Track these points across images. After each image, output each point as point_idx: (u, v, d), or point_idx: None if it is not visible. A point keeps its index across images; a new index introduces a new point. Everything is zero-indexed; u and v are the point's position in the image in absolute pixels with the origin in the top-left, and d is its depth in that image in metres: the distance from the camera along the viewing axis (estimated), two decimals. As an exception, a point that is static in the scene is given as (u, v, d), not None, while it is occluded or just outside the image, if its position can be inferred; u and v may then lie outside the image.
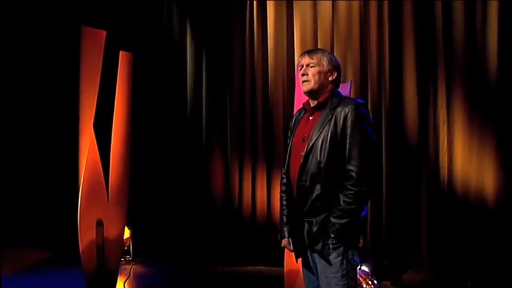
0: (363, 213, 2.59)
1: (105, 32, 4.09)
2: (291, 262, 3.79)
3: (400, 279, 4.90)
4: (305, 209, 2.59)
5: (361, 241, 2.62)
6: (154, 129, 6.00)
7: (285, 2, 5.59)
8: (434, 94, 4.97)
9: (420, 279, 4.84)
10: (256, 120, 5.74)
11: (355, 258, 2.59)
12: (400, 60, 5.07)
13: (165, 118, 6.03)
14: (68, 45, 5.31)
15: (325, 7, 5.38)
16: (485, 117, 4.77)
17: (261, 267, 5.53)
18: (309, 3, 5.46)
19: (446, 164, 4.91)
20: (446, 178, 4.91)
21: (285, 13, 5.59)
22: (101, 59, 4.08)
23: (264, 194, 5.70)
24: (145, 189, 5.88)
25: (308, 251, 2.67)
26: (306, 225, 2.60)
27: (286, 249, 3.78)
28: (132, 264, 5.50)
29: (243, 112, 5.78)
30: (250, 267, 5.55)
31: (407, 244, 5.06)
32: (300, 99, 3.73)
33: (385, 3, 5.14)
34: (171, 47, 6.09)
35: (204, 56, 5.94)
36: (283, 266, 5.27)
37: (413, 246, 5.03)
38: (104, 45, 4.07)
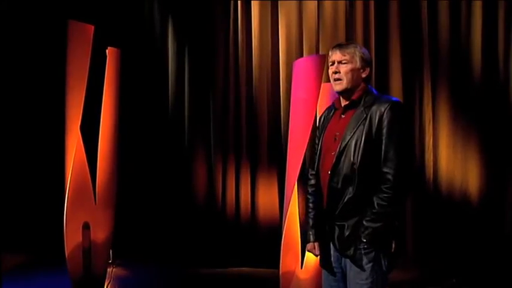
0: (398, 217, 2.47)
1: (93, 27, 3.94)
2: (287, 264, 3.75)
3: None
4: (336, 212, 2.48)
5: (393, 246, 2.45)
6: (134, 129, 5.82)
7: (269, 2, 5.54)
8: (420, 94, 5.04)
9: (406, 278, 4.87)
10: (240, 120, 5.67)
11: (386, 264, 2.46)
12: (386, 60, 5.11)
13: (145, 117, 5.87)
14: (54, 41, 5.09)
15: (311, 7, 5.36)
16: (469, 116, 4.88)
17: (245, 269, 5.47)
18: (294, 3, 5.43)
19: (431, 163, 4.98)
20: (431, 177, 4.98)
21: (269, 13, 5.54)
22: (89, 55, 3.93)
23: (248, 194, 5.64)
24: (124, 189, 5.70)
25: (333, 256, 2.57)
26: (337, 229, 2.48)
27: (282, 251, 3.78)
28: (113, 267, 5.32)
29: (227, 111, 5.70)
30: (234, 269, 5.48)
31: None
32: (297, 99, 3.69)
33: (371, 4, 5.17)
34: (152, 44, 5.93)
35: (186, 54, 5.82)
36: (267, 267, 5.33)
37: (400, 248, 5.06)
38: (92, 41, 3.92)
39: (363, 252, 2.43)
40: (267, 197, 5.59)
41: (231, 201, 5.67)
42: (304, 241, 2.77)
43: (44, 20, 5.68)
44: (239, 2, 5.64)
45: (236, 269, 5.48)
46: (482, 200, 4.84)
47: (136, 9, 5.95)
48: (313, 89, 3.60)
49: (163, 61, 5.90)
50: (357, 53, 2.54)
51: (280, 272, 3.76)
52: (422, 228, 5.00)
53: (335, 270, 2.59)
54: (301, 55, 5.38)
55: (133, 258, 5.51)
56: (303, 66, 3.69)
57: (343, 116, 2.56)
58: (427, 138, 5.00)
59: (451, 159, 4.94)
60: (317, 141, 2.69)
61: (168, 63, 5.89)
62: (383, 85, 5.10)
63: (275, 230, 5.49)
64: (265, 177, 5.60)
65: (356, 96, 2.54)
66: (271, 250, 5.33)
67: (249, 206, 5.63)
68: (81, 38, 3.91)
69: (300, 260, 3.75)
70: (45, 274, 5.07)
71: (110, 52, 4.10)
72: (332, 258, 2.58)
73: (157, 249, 5.63)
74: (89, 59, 3.93)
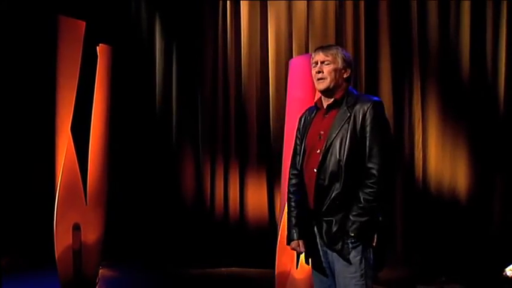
0: (385, 211, 2.55)
1: (84, 23, 3.85)
2: (283, 264, 3.73)
3: (376, 277, 4.94)
4: (323, 209, 2.55)
5: (374, 239, 2.54)
6: (121, 128, 5.71)
7: (258, 1, 5.51)
8: (410, 93, 5.07)
9: (395, 276, 4.90)
10: (228, 119, 5.64)
11: (372, 257, 2.55)
12: (376, 60, 5.14)
13: (132, 116, 5.77)
14: (43, 38, 4.95)
15: (300, 7, 5.35)
16: (458, 115, 4.94)
17: (234, 269, 5.45)
18: (283, 3, 5.42)
19: (420, 162, 5.02)
20: (420, 176, 5.02)
21: (258, 12, 5.52)
22: (80, 52, 3.86)
23: (237, 193, 5.62)
24: (111, 189, 5.60)
25: (321, 251, 2.63)
26: (325, 225, 2.56)
27: (278, 251, 3.76)
28: (100, 268, 5.23)
29: (215, 111, 5.66)
30: (223, 269, 5.44)
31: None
32: (293, 98, 3.67)
33: (361, 3, 5.19)
34: (139, 41, 5.85)
35: (174, 52, 5.75)
36: (256, 267, 5.32)
37: (389, 244, 5.10)
38: (83, 37, 3.83)
39: (350, 246, 2.51)
40: (256, 197, 5.57)
41: (220, 201, 5.64)
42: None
43: (33, 16, 5.51)
44: (228, 1, 5.60)
45: (225, 269, 5.45)
46: (470, 198, 4.90)
47: (122, 7, 5.84)
48: (309, 88, 3.58)
49: (151, 58, 5.82)
50: (339, 54, 2.67)
51: (276, 272, 3.74)
52: (412, 227, 5.03)
53: (324, 265, 2.65)
54: (291, 54, 5.38)
55: (121, 258, 5.44)
56: (299, 65, 3.67)
57: (326, 116, 2.66)
58: (416, 137, 5.04)
59: (440, 158, 4.99)
60: (298, 142, 2.77)
61: (155, 60, 5.81)
62: (373, 84, 5.13)
63: (264, 229, 5.50)
64: (254, 177, 5.58)
65: (339, 96, 2.64)
66: (261, 250, 5.35)
67: (238, 205, 5.61)
68: (72, 34, 3.83)
69: (296, 260, 3.72)
70: (34, 276, 4.94)
71: (101, 49, 4.01)
72: (321, 253, 2.65)
73: (146, 250, 5.57)
74: (80, 57, 3.86)
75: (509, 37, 4.79)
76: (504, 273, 4.25)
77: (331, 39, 5.22)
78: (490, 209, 4.85)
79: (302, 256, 3.63)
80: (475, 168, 4.88)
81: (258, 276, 5.10)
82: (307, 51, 5.29)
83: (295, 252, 3.71)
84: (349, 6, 5.21)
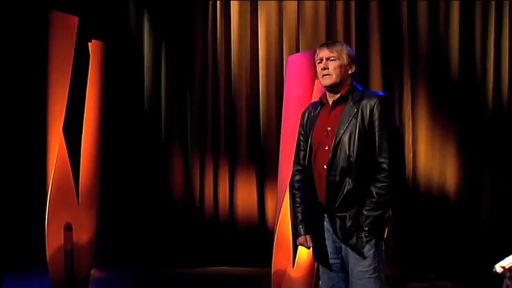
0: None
1: (77, 19, 3.77)
2: (279, 262, 3.72)
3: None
4: (336, 205, 2.56)
5: (385, 232, 2.60)
6: (109, 127, 5.59)
7: (249, 1, 5.48)
8: (400, 91, 5.12)
9: (386, 274, 4.92)
10: (218, 118, 5.59)
11: (384, 249, 2.60)
12: (366, 59, 5.16)
13: (120, 115, 5.65)
14: (35, 33, 4.83)
15: (291, 7, 5.34)
16: (447, 113, 5.01)
17: (224, 268, 5.43)
18: (274, 3, 5.41)
19: (410, 160, 5.06)
20: (410, 173, 5.06)
21: (248, 10, 5.48)
22: (73, 48, 3.77)
23: (226, 193, 5.57)
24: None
25: (332, 247, 2.64)
26: (338, 220, 2.57)
27: (274, 249, 3.75)
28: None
29: (205, 110, 5.60)
30: (212, 268, 5.42)
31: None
32: (290, 96, 3.66)
33: (352, 3, 5.21)
34: (127, 37, 5.73)
35: (163, 51, 5.67)
36: (246, 266, 5.30)
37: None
38: (75, 33, 3.75)
39: (364, 240, 2.53)
40: (245, 196, 5.54)
41: (209, 200, 5.59)
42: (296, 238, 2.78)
43: (25, 11, 5.35)
44: (218, 0, 5.56)
45: (214, 268, 5.42)
46: (459, 195, 4.98)
47: (111, 3, 5.73)
48: (306, 86, 3.58)
49: (139, 54, 5.72)
50: (344, 50, 2.67)
51: (272, 271, 3.73)
52: (401, 224, 5.06)
53: (332, 261, 2.66)
54: (281, 54, 5.37)
55: (110, 258, 5.35)
56: (296, 63, 3.66)
57: (332, 112, 2.65)
58: (406, 135, 5.08)
59: (429, 156, 5.05)
60: (302, 138, 2.75)
61: (144, 56, 5.71)
62: (363, 83, 5.08)
63: (254, 228, 5.48)
64: (244, 176, 5.55)
65: (344, 92, 2.64)
66: (251, 248, 5.35)
67: (228, 204, 5.57)
68: (65, 30, 3.74)
69: (292, 259, 3.73)
70: (25, 277, 4.82)
71: (93, 46, 3.93)
72: (329, 249, 2.65)
73: (134, 249, 5.48)
74: (72, 53, 3.77)
75: (497, 36, 4.90)
76: (494, 270, 4.30)
77: (322, 39, 5.23)
78: (478, 206, 4.94)
79: (299, 255, 3.68)
80: (463, 166, 4.96)
81: (251, 275, 5.10)
82: (297, 50, 5.29)
83: (291, 251, 3.76)
84: (339, 6, 5.23)
